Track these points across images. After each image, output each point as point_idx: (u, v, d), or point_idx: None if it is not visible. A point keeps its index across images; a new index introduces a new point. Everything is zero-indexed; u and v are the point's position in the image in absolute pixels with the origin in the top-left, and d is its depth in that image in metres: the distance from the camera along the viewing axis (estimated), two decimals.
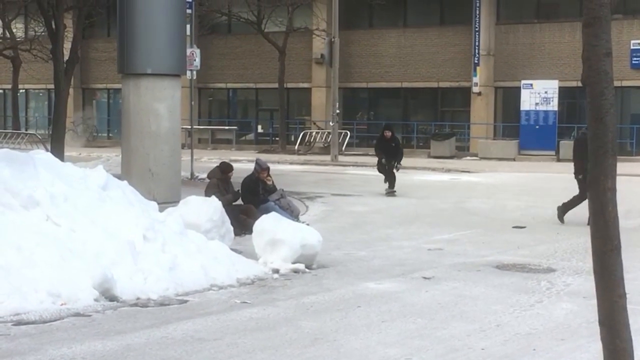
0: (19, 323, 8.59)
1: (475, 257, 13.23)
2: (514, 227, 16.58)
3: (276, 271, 11.61)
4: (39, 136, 37.48)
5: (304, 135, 43.37)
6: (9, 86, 50.23)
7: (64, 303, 9.23)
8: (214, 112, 49.88)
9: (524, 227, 16.59)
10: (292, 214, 15.96)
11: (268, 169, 16.66)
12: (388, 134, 23.07)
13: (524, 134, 38.65)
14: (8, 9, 46.45)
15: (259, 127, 49.25)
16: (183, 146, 17.47)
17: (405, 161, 35.81)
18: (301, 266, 11.82)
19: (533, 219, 17.82)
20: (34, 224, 10.41)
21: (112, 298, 9.66)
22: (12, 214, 10.41)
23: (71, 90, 29.28)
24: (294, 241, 11.92)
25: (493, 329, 8.76)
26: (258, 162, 16.87)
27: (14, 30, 47.57)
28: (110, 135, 51.73)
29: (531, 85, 38.67)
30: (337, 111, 37.60)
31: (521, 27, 41.04)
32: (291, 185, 19.86)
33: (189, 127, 29.36)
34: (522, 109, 38.90)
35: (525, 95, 38.74)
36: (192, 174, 25.89)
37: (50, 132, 25.07)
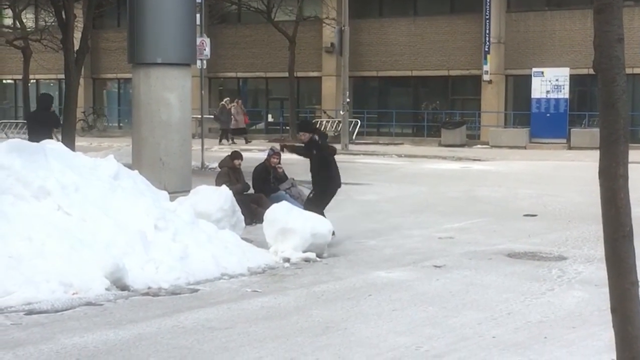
0: (30, 312, 8.61)
1: (486, 245, 13.21)
2: (525, 215, 16.54)
3: (287, 260, 11.62)
4: None
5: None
6: (20, 76, 50.29)
7: (75, 292, 9.25)
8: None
9: (535, 215, 16.55)
10: (303, 203, 15.94)
11: (280, 154, 16.64)
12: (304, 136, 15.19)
13: (535, 122, 38.52)
14: (18, 0, 46.50)
15: (269, 116, 49.25)
16: (193, 136, 17.45)
17: (415, 150, 35.88)
18: (312, 255, 11.82)
19: (544, 207, 17.77)
20: (45, 214, 10.44)
21: (124, 287, 9.68)
22: (24, 204, 10.44)
23: (82, 80, 29.30)
24: (304, 230, 11.92)
25: (504, 317, 8.75)
26: (272, 148, 16.88)
27: (24, 21, 47.60)
28: (120, 125, 51.79)
29: (542, 73, 38.54)
30: (348, 100, 37.55)
31: (532, 15, 40.90)
32: (302, 175, 19.77)
33: (200, 116, 29.35)
34: (532, 97, 38.78)
35: (536, 83, 38.61)
36: (202, 163, 25.87)
37: (61, 122, 25.08)
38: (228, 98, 42.18)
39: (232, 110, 40.78)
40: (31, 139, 15.72)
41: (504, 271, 11.18)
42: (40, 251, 9.72)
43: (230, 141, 40.29)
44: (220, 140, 40.64)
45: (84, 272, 9.53)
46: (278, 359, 7.27)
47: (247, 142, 40.33)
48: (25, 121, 20.07)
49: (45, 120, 17.91)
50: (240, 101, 42.16)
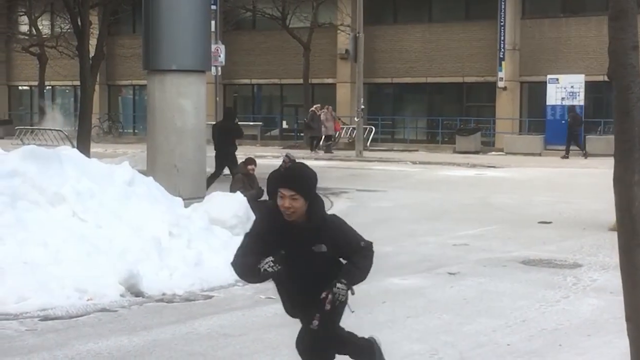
0: (45, 318, 8.64)
1: (500, 252, 13.18)
2: (539, 223, 16.49)
3: None
4: (65, 132, 37.67)
5: None
6: (36, 83, 50.58)
7: (90, 299, 9.28)
8: (239, 108, 49.94)
9: (550, 223, 16.50)
10: None
11: (294, 160, 16.63)
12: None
13: (550, 129, 38.45)
14: (34, 6, 46.76)
15: (284, 122, 49.29)
16: (208, 142, 17.48)
17: (430, 156, 35.83)
18: None
19: (559, 214, 17.72)
20: (60, 220, 10.47)
21: (138, 294, 9.70)
22: (39, 210, 10.48)
23: (97, 87, 29.40)
24: None
25: (519, 324, 8.73)
26: (287, 155, 16.87)
27: (40, 27, 47.90)
28: (135, 131, 51.93)
29: (557, 79, 38.47)
30: (362, 107, 37.54)
31: (547, 22, 40.84)
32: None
33: (214, 123, 29.40)
34: (547, 103, 38.70)
35: (551, 90, 38.53)
36: None
37: (77, 129, 25.18)
38: (318, 104, 40.50)
39: (322, 117, 39.11)
40: (216, 147, 20.48)
41: (518, 278, 11.15)
42: (55, 257, 9.75)
43: (325, 150, 38.53)
44: (313, 149, 38.68)
45: (98, 278, 9.56)
46: None
47: (326, 151, 38.49)
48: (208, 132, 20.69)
49: (229, 131, 20.70)
50: (330, 107, 40.59)
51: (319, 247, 5.41)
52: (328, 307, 5.40)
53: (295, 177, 5.47)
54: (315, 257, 5.43)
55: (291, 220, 5.37)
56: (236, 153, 20.59)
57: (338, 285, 5.41)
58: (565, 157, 34.89)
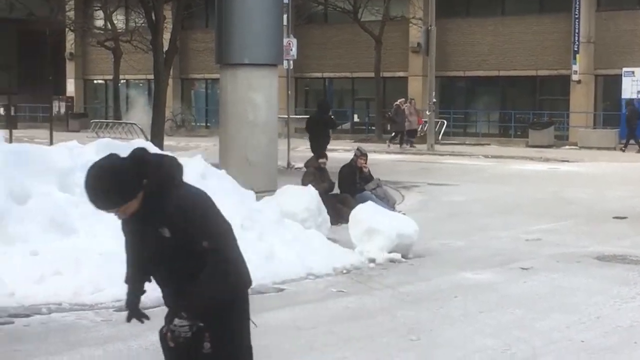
0: (120, 309, 8.73)
1: (574, 247, 13.01)
2: (614, 218, 16.24)
3: (372, 260, 11.59)
4: (140, 126, 38.13)
5: None
6: (110, 77, 51.31)
7: None
8: (310, 102, 50.08)
9: (625, 218, 16.24)
10: (388, 203, 15.91)
11: (366, 155, 16.66)
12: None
13: (625, 123, 37.80)
14: (109, 1, 47.43)
15: (355, 116, 49.25)
16: (279, 135, 17.55)
17: (502, 150, 35.49)
18: (397, 256, 11.79)
19: (634, 209, 17.43)
20: None
21: None
22: None
23: (170, 81, 29.70)
24: (390, 231, 11.89)
25: (593, 321, 8.62)
26: (358, 148, 16.93)
27: (115, 22, 48.56)
28: (208, 124, 52.34)
29: (632, 73, 37.83)
30: (434, 100, 37.34)
31: (622, 14, 40.16)
32: (387, 175, 19.77)
33: (286, 116, 29.51)
34: (623, 97, 38.06)
35: (626, 83, 37.91)
36: (288, 163, 26.02)
37: (150, 122, 25.47)
38: (402, 98, 39.88)
39: (406, 111, 38.20)
40: (311, 139, 21.90)
41: (592, 274, 10.99)
42: None
43: (409, 145, 37.68)
44: (398, 143, 37.96)
45: None
46: (363, 359, 7.26)
47: (411, 145, 37.67)
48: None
49: (324, 123, 21.82)
50: (413, 101, 39.88)
51: (163, 231, 4.22)
52: (172, 344, 4.36)
53: (92, 196, 4.20)
54: (164, 242, 4.24)
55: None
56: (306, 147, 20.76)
57: (175, 321, 4.26)
58: (622, 150, 34.54)
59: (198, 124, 53.09)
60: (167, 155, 4.33)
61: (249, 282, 4.39)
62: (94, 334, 7.92)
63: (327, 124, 22.14)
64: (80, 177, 10.53)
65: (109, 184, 4.13)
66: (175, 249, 4.22)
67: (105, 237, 9.84)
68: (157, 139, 23.05)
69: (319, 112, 22.63)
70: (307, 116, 28.45)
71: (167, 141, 27.76)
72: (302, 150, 33.35)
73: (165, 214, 4.18)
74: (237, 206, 11.50)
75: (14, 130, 26.16)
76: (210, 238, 4.17)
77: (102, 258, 9.50)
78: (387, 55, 43.94)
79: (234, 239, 4.31)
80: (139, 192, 4.19)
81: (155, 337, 7.64)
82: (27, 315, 8.39)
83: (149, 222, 4.25)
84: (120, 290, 9.05)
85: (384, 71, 43.67)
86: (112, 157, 4.21)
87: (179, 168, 4.30)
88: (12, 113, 33.19)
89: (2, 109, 38.73)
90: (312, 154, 18.50)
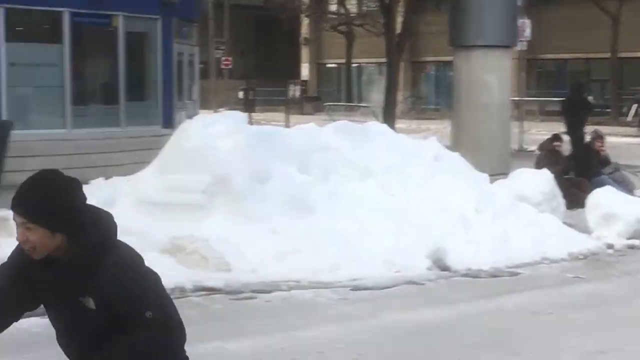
0: (356, 288, 8.93)
1: None
2: None
3: (610, 246, 11.27)
4: (373, 108, 38.57)
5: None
6: (343, 61, 52.17)
7: (398, 271, 9.49)
8: (542, 84, 49.03)
9: None
10: (627, 188, 15.38)
11: (603, 138, 16.18)
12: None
13: None
14: None
15: (590, 98, 47.80)
16: (511, 118, 17.33)
17: None
18: (637, 242, 11.42)
19: None
20: (369, 194, 10.78)
21: (444, 268, 9.80)
22: (349, 183, 10.85)
23: (402, 64, 29.87)
24: (629, 216, 11.54)
25: None
26: (595, 131, 16.46)
27: (348, 6, 49.28)
28: (437, 107, 52.26)
29: None
30: None
31: None
32: (624, 159, 19.08)
33: (518, 98, 29.07)
34: None
35: None
36: (520, 146, 25.65)
37: (383, 105, 25.76)
38: None
39: None
40: (567, 121, 20.10)
41: None
42: (364, 229, 10.06)
43: None
44: None
45: (406, 251, 9.75)
46: (600, 347, 7.10)
47: None
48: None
49: (574, 106, 20.32)
50: None
51: (86, 301, 3.36)
52: None
53: (21, 198, 3.30)
54: (86, 313, 3.38)
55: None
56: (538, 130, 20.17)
57: None
58: None
59: (428, 106, 53.12)
60: (102, 210, 3.47)
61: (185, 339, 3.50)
62: (332, 312, 8.13)
63: (577, 106, 20.77)
64: (319, 159, 10.89)
65: (54, 193, 3.30)
66: (98, 322, 3.40)
67: (343, 218, 10.08)
68: (389, 122, 23.28)
69: (572, 93, 21.80)
70: (538, 98, 27.88)
71: (398, 124, 27.92)
72: (534, 133, 32.76)
73: (93, 283, 3.32)
74: (470, 188, 11.49)
75: (252, 114, 27.15)
76: (154, 306, 3.38)
77: (340, 238, 9.72)
78: (626, 34, 42.30)
79: (164, 290, 3.53)
80: (58, 230, 3.28)
81: (390, 317, 7.81)
82: (269, 292, 8.68)
83: (67, 288, 3.37)
84: (357, 271, 9.30)
85: (621, 51, 42.10)
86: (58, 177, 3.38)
87: (116, 227, 3.47)
88: (251, 97, 34.41)
89: (241, 93, 40.17)
90: (547, 137, 18.12)
